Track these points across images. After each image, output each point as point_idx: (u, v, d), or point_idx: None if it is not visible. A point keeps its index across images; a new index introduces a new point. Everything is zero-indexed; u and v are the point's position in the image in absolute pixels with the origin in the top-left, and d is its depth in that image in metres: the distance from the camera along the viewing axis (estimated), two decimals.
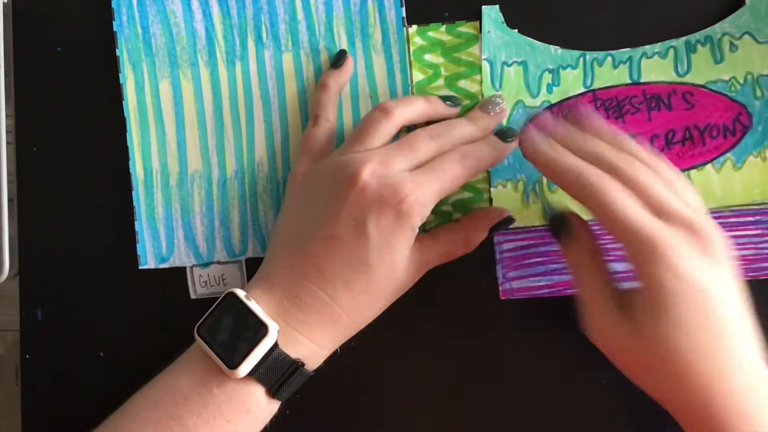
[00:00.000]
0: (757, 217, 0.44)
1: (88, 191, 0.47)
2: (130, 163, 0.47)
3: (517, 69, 0.46)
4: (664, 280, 0.36)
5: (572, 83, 0.46)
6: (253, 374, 0.39)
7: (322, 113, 0.45)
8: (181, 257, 0.47)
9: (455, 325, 0.45)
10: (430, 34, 0.46)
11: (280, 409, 0.42)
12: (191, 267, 0.47)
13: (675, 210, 0.37)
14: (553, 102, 0.46)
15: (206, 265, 0.47)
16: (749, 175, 0.45)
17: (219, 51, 0.46)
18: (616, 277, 0.40)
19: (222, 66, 0.46)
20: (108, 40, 0.47)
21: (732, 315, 0.37)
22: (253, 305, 0.39)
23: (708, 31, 0.45)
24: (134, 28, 0.47)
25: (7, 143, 0.45)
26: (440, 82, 0.46)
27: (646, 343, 0.37)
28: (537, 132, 0.40)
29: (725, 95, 0.45)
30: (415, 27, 0.46)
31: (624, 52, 0.45)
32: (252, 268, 0.46)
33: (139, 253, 0.47)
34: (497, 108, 0.44)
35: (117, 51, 0.47)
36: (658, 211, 0.37)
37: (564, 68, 0.46)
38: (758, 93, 0.45)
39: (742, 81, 0.45)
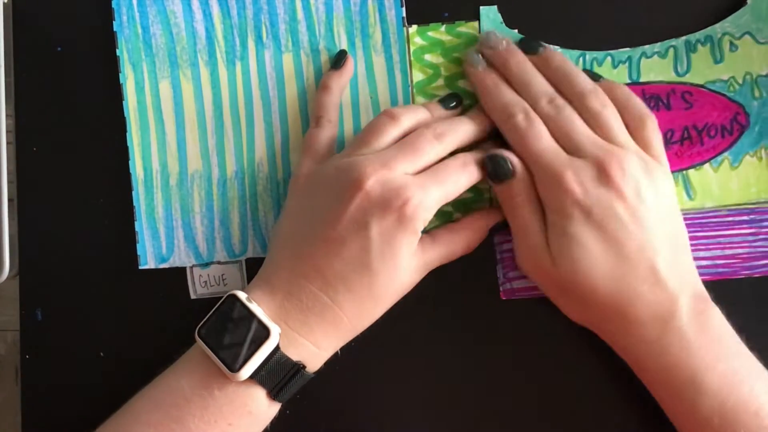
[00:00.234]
0: (752, 216, 0.45)
1: (88, 191, 0.47)
2: (130, 163, 0.47)
3: None
4: (566, 209, 0.39)
5: None
6: (255, 377, 0.39)
7: (323, 114, 0.45)
8: (181, 257, 0.47)
9: (455, 325, 0.45)
10: (430, 34, 0.46)
11: (280, 409, 0.42)
12: (191, 267, 0.47)
13: (585, 144, 0.40)
14: None
15: (206, 265, 0.47)
16: (746, 174, 0.45)
17: (219, 51, 0.46)
18: None
19: (222, 66, 0.46)
20: (108, 40, 0.47)
21: (635, 237, 0.39)
22: (255, 307, 0.39)
23: (708, 30, 0.45)
24: (134, 28, 0.47)
25: (7, 143, 0.45)
26: (440, 82, 0.46)
27: (561, 270, 0.40)
28: (476, 54, 0.44)
29: (724, 95, 0.45)
30: (415, 27, 0.46)
31: (623, 52, 0.45)
32: (252, 268, 0.46)
33: (139, 253, 0.47)
34: None
35: (117, 51, 0.47)
36: (571, 147, 0.41)
37: None
38: (756, 93, 0.45)
39: (740, 81, 0.45)
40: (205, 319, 0.40)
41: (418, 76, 0.46)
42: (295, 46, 0.46)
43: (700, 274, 0.41)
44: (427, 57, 0.46)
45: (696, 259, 0.44)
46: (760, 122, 0.45)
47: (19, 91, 0.47)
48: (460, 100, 0.45)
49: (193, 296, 0.47)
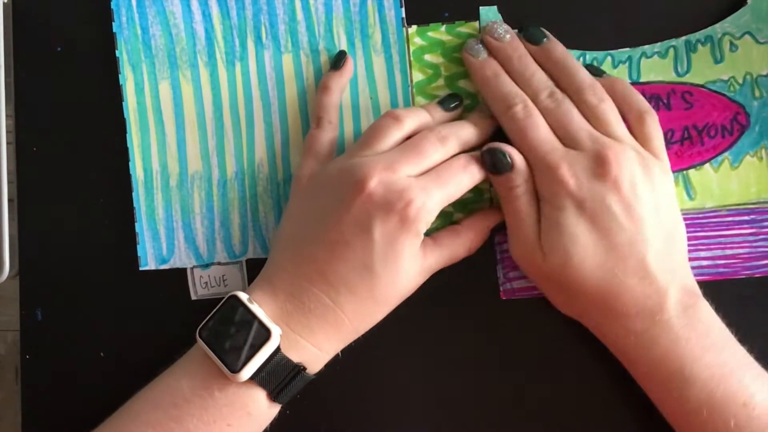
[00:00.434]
0: (752, 216, 0.45)
1: (88, 191, 0.47)
2: (130, 164, 0.47)
3: None
4: (559, 200, 0.40)
5: None
6: (255, 378, 0.39)
7: (324, 115, 0.45)
8: (181, 258, 0.47)
9: (456, 325, 0.46)
10: (430, 34, 0.46)
11: (280, 410, 0.42)
12: (192, 268, 0.47)
13: (582, 137, 0.41)
14: None
15: (207, 266, 0.47)
16: (746, 174, 0.45)
17: (219, 52, 0.46)
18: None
19: (222, 67, 0.46)
20: (108, 41, 0.47)
21: (627, 230, 0.39)
22: (256, 309, 0.39)
23: (709, 30, 0.45)
24: (134, 29, 0.47)
25: (7, 143, 0.45)
26: (440, 82, 0.46)
27: (551, 261, 0.40)
28: (477, 45, 0.44)
29: (724, 95, 0.45)
30: (414, 27, 0.46)
31: (623, 52, 0.45)
32: (252, 268, 0.46)
33: (139, 254, 0.47)
34: None
35: (117, 52, 0.47)
36: (569, 139, 0.41)
37: None
38: (756, 93, 0.45)
39: (740, 81, 0.45)
40: (205, 320, 0.40)
41: (418, 76, 0.46)
42: (294, 46, 0.46)
43: (701, 274, 0.41)
44: (427, 57, 0.46)
45: (696, 259, 0.44)
46: (761, 122, 0.45)
47: (19, 91, 0.47)
48: (460, 100, 0.45)
49: (193, 297, 0.47)
